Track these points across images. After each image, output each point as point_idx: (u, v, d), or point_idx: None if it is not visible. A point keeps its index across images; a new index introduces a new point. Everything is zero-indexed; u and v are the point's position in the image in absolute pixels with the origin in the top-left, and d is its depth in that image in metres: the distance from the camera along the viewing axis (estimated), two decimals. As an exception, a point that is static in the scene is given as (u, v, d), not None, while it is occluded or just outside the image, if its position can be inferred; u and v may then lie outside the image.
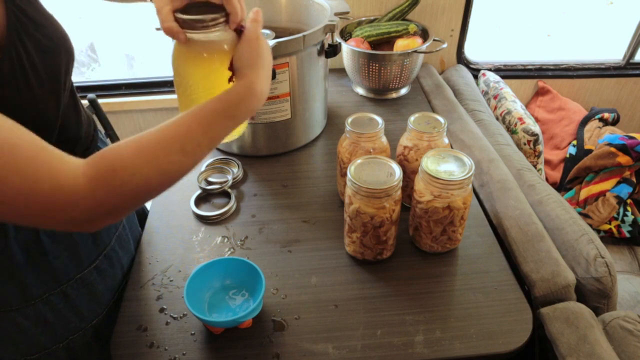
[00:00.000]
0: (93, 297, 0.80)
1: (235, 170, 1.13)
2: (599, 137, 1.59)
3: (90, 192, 0.50)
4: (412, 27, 1.40)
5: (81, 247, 0.76)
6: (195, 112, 0.59)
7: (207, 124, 0.59)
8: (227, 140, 0.69)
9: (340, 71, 1.54)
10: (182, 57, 0.67)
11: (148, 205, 1.06)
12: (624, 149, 1.41)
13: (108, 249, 0.82)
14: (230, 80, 0.68)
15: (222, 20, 0.64)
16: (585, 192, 1.46)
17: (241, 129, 0.75)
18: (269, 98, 1.08)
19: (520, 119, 1.42)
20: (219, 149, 1.22)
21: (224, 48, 0.66)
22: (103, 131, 1.42)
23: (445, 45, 1.38)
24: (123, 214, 0.56)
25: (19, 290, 0.69)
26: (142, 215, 1.04)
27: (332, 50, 1.15)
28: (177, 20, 0.63)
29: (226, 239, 0.97)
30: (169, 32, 0.63)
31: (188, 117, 0.58)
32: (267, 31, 1.18)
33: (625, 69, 1.76)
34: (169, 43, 1.08)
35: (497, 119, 1.50)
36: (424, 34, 1.43)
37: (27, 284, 0.69)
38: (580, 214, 1.43)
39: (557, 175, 1.63)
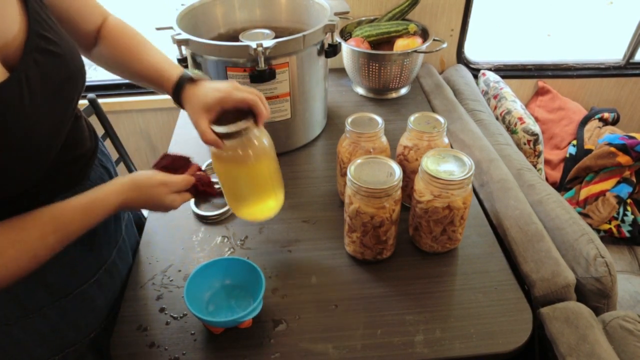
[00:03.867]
0: (91, 311, 0.79)
1: (235, 170, 1.13)
2: (599, 137, 1.59)
3: None
4: (412, 27, 1.40)
5: (80, 262, 0.75)
6: (63, 215, 0.64)
7: (73, 230, 0.65)
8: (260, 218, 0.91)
9: (340, 71, 1.54)
10: (223, 160, 0.79)
11: (146, 210, 1.05)
12: (624, 148, 1.41)
13: (109, 263, 0.82)
14: None
15: (251, 126, 0.75)
16: (585, 192, 1.46)
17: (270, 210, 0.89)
18: (269, 98, 1.08)
19: (520, 118, 1.42)
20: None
21: (256, 145, 0.78)
22: (103, 131, 1.42)
23: (445, 45, 1.38)
24: None
25: (15, 304, 0.68)
26: (140, 222, 1.03)
27: (332, 50, 1.15)
28: (214, 132, 0.73)
29: (226, 239, 0.97)
30: (209, 143, 0.74)
31: (58, 217, 0.63)
32: (267, 31, 1.18)
33: (625, 69, 1.76)
34: (168, 44, 1.09)
35: (497, 118, 1.50)
36: (424, 34, 1.43)
37: (22, 299, 0.69)
38: (580, 213, 1.43)
39: (557, 175, 1.63)
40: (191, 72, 0.77)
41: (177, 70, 0.77)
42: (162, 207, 0.74)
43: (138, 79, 0.80)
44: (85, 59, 0.73)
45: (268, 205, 0.88)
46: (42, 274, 0.68)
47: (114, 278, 0.84)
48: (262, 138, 0.79)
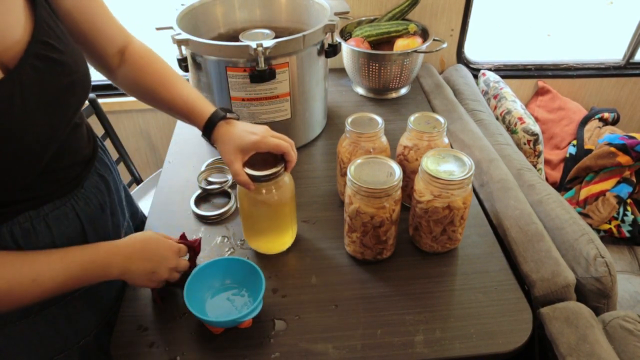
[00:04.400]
0: (82, 319, 0.78)
1: (235, 170, 1.12)
2: (599, 137, 1.59)
3: None
4: (412, 27, 1.40)
5: None
6: (64, 265, 0.64)
7: (65, 283, 0.65)
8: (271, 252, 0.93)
9: (340, 71, 1.54)
10: (250, 198, 0.83)
11: (146, 209, 1.05)
12: (623, 148, 1.41)
13: None
14: None
15: (282, 171, 0.79)
16: (585, 191, 1.46)
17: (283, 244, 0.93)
18: (269, 98, 1.08)
19: (520, 118, 1.42)
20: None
21: (282, 188, 0.83)
22: (103, 131, 1.42)
23: (445, 45, 1.38)
24: None
25: None
26: (141, 224, 1.02)
27: (332, 50, 1.15)
28: (247, 174, 0.77)
29: (226, 239, 0.97)
30: (241, 184, 0.78)
31: (56, 265, 0.64)
32: (267, 31, 1.18)
33: (625, 69, 1.76)
34: (168, 44, 1.09)
35: (497, 118, 1.50)
36: (424, 34, 1.43)
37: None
38: (580, 213, 1.43)
39: (557, 175, 1.63)
40: (224, 111, 0.80)
41: (209, 108, 0.80)
42: (163, 249, 0.76)
43: (164, 108, 0.82)
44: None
45: (283, 240, 0.93)
46: None
47: (107, 285, 0.81)
48: (287, 181, 0.84)
